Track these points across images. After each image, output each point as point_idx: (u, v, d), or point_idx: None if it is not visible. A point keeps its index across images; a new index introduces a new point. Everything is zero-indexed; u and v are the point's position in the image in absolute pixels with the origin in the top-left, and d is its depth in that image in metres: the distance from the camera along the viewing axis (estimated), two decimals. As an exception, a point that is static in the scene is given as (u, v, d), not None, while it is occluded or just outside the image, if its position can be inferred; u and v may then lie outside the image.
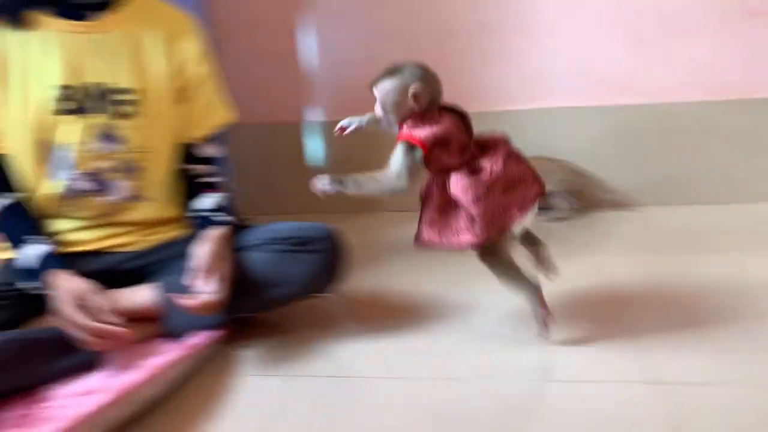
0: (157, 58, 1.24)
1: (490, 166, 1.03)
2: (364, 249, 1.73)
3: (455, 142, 1.04)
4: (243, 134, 2.07)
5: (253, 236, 1.25)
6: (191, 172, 1.34)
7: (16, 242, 1.17)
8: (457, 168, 1.04)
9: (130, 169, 1.23)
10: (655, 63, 1.94)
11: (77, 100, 1.18)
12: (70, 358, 1.07)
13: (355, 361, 1.17)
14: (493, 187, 1.02)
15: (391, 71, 1.06)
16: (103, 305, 1.06)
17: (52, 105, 1.16)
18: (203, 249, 1.17)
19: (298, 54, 2.12)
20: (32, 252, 1.15)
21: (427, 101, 1.04)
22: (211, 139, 1.34)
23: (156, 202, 1.29)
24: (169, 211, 1.32)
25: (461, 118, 1.08)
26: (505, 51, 2.01)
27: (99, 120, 1.19)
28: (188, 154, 1.34)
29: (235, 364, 1.17)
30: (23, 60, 1.17)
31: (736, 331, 1.16)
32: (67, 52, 1.18)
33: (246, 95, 2.11)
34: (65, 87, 1.17)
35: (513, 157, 1.07)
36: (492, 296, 1.39)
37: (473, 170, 1.03)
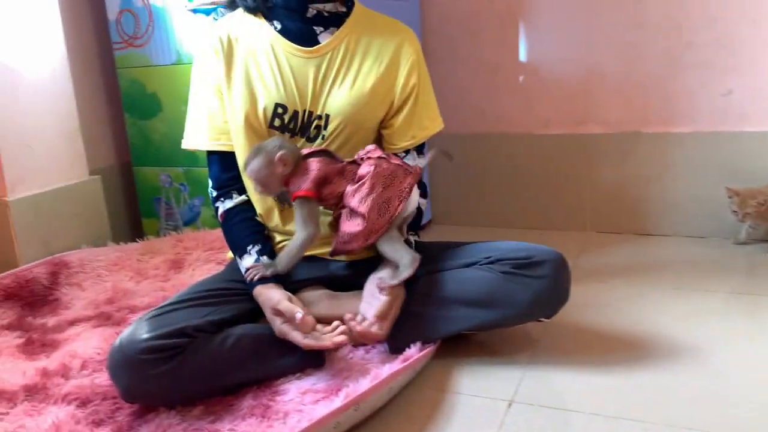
0: (373, 73, 1.26)
1: (366, 171, 1.18)
2: (575, 270, 1.68)
3: (332, 174, 1.19)
4: (450, 144, 2.10)
5: (474, 253, 1.23)
6: None
7: (236, 248, 1.25)
8: (344, 190, 1.20)
9: None
10: None
11: (285, 120, 1.24)
12: (298, 355, 1.13)
13: (570, 393, 1.11)
14: (374, 187, 1.16)
15: (254, 153, 1.18)
16: (290, 311, 1.09)
17: (267, 119, 1.24)
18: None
19: (513, 63, 2.08)
20: (246, 262, 1.22)
21: (292, 160, 1.18)
22: (418, 148, 1.35)
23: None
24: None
25: (324, 153, 1.21)
26: (742, 67, 1.82)
27: (298, 142, 1.25)
28: None
29: (449, 381, 1.17)
30: (250, 71, 1.25)
31: None
32: (288, 73, 1.24)
33: (458, 105, 2.14)
34: (281, 105, 1.24)
35: (383, 158, 1.20)
36: (728, 337, 1.27)
37: (356, 182, 1.19)
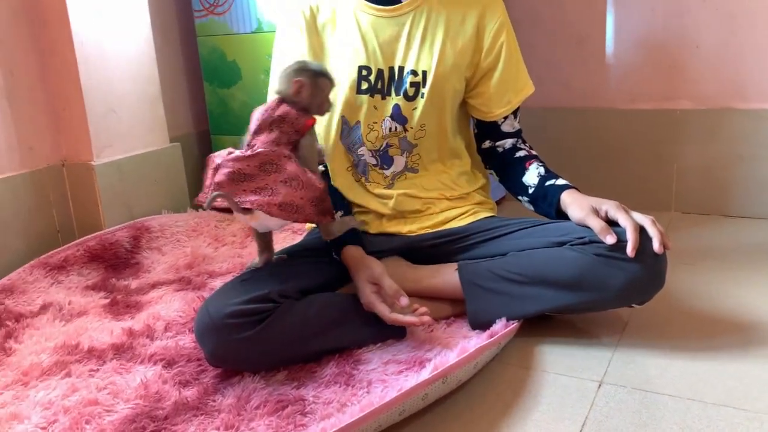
0: (460, 35, 1.24)
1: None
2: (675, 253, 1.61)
3: None
4: (533, 117, 2.03)
5: (566, 232, 1.17)
6: (500, 149, 1.34)
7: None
8: None
9: (409, 146, 1.28)
10: None
11: (374, 81, 1.24)
12: (379, 325, 1.11)
13: (663, 377, 1.06)
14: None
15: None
16: (393, 290, 1.08)
17: (353, 84, 1.23)
18: (584, 204, 1.16)
19: (600, 34, 1.99)
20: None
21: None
22: (515, 113, 1.33)
23: (434, 176, 1.31)
24: (465, 189, 1.33)
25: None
26: None
27: (391, 101, 1.24)
28: (493, 130, 1.33)
29: (534, 358, 1.13)
30: (332, 39, 1.25)
31: None
32: (372, 34, 1.23)
33: (542, 77, 2.07)
34: (364, 68, 1.23)
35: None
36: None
37: None
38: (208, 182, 1.06)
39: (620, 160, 2.02)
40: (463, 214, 1.31)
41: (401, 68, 1.24)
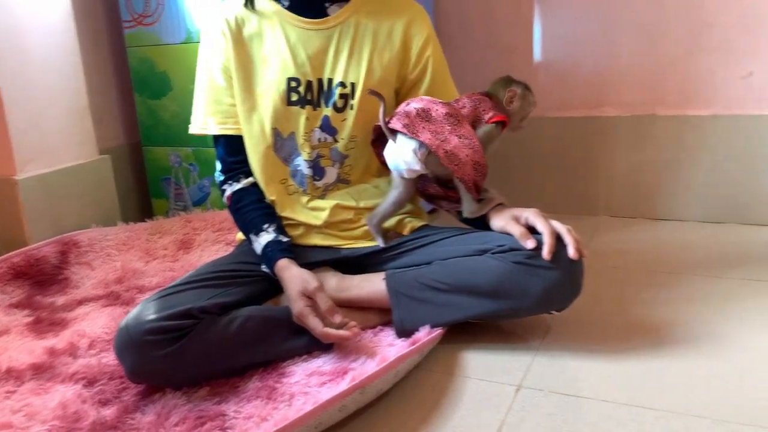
0: (387, 48, 1.27)
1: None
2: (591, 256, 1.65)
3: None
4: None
5: (487, 240, 1.20)
6: None
7: (249, 228, 1.25)
8: None
9: (340, 157, 1.29)
10: None
11: (304, 93, 1.24)
12: (305, 337, 1.12)
13: (581, 379, 1.10)
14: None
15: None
16: (328, 305, 1.09)
17: (283, 96, 1.23)
18: (505, 213, 1.21)
19: (527, 46, 2.04)
20: (263, 239, 1.22)
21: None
22: None
23: (365, 186, 1.33)
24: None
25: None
26: (764, 49, 1.77)
27: (321, 113, 1.26)
28: None
29: (456, 366, 1.15)
30: (260, 51, 1.25)
31: None
32: (300, 46, 1.24)
33: (473, 87, 2.10)
34: (293, 79, 1.24)
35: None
36: (744, 324, 1.24)
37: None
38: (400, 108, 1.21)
39: (550, 166, 2.08)
40: (394, 225, 1.33)
41: (330, 80, 1.25)
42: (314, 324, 1.08)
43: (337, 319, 1.07)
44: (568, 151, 2.05)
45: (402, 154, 1.19)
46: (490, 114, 1.24)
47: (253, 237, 1.24)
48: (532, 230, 1.16)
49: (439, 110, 1.19)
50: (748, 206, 1.85)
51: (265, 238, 1.22)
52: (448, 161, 1.16)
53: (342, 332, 1.08)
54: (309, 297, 1.11)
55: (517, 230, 1.16)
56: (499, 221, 1.21)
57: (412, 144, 1.18)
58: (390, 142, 1.20)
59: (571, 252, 1.11)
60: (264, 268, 1.22)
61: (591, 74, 1.98)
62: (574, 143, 2.04)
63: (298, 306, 1.10)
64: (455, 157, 1.16)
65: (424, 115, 1.19)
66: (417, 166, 1.19)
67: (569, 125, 2.03)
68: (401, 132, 1.18)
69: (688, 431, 0.94)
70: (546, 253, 1.11)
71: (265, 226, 1.23)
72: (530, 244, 1.13)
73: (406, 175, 1.23)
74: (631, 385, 1.07)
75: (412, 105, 1.20)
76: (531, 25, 2.02)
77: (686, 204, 1.93)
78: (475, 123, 1.23)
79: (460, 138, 1.17)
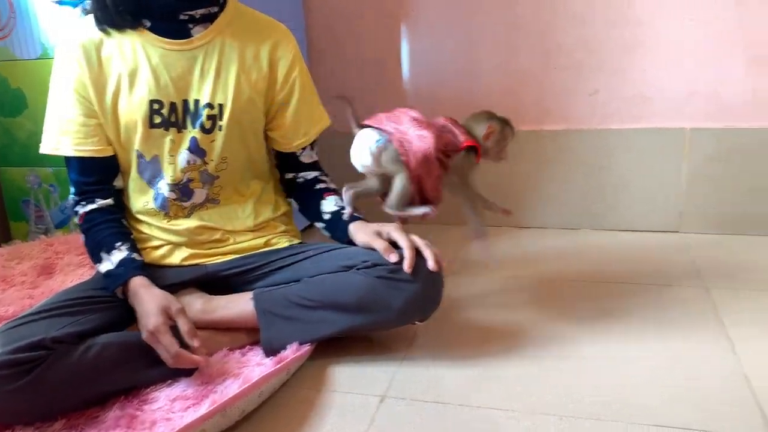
0: (254, 69, 1.27)
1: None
2: (448, 264, 1.73)
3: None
4: (336, 141, 2.11)
5: (353, 256, 1.23)
6: (301, 180, 1.39)
7: (101, 246, 1.21)
8: None
9: (210, 178, 1.28)
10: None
11: (170, 115, 1.23)
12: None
13: (441, 385, 1.15)
14: None
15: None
16: (188, 327, 1.08)
17: (145, 119, 1.21)
18: (369, 229, 1.25)
19: (396, 62, 2.11)
20: (115, 257, 1.19)
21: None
22: (312, 145, 1.38)
23: (236, 206, 1.33)
24: (267, 218, 1.36)
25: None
26: (610, 68, 1.93)
27: (188, 135, 1.24)
28: (293, 162, 1.38)
29: (324, 381, 1.18)
30: (119, 74, 1.22)
31: None
32: (162, 67, 1.22)
33: (341, 104, 2.15)
34: (156, 101, 1.22)
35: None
36: (593, 326, 1.35)
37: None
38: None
39: (421, 179, 2.15)
40: (264, 244, 1.33)
41: (196, 101, 1.24)
42: (168, 342, 1.05)
43: (196, 343, 1.06)
44: (439, 164, 2.13)
45: (359, 147, 1.28)
46: (461, 140, 1.33)
47: (104, 255, 1.19)
48: (394, 245, 1.21)
49: (408, 114, 1.32)
50: (599, 214, 2.01)
51: (117, 256, 1.19)
52: (401, 149, 1.25)
53: (196, 356, 1.06)
54: (169, 317, 1.09)
55: (380, 244, 1.20)
56: (363, 237, 1.25)
57: (374, 135, 1.27)
58: (355, 139, 1.30)
59: (431, 264, 1.17)
60: (113, 288, 1.17)
61: (455, 90, 2.08)
62: (444, 156, 2.12)
63: (154, 321, 1.06)
64: (409, 145, 1.25)
65: (393, 118, 1.31)
66: (368, 160, 1.27)
67: (438, 139, 2.11)
68: (368, 126, 1.29)
69: (537, 428, 1.01)
70: (407, 266, 1.16)
71: (118, 244, 1.20)
72: (393, 257, 1.17)
73: (363, 171, 1.31)
74: (486, 388, 1.13)
75: (382, 114, 1.32)
76: (399, 42, 2.09)
77: (545, 213, 2.07)
78: (445, 148, 1.32)
79: (420, 137, 1.26)
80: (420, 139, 1.26)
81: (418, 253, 1.19)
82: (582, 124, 1.98)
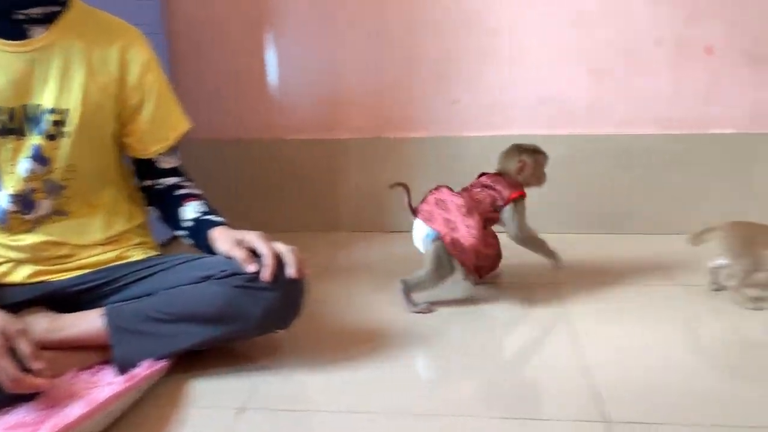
0: (103, 73, 1.22)
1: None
2: (322, 270, 1.73)
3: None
4: (202, 149, 2.06)
5: (211, 266, 1.20)
6: (160, 186, 1.33)
7: None
8: None
9: (55, 188, 1.22)
10: (614, 95, 1.97)
11: (8, 122, 1.16)
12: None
13: (304, 393, 1.15)
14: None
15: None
16: (30, 350, 1.01)
17: None
18: (229, 237, 1.22)
19: (260, 71, 2.10)
20: None
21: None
22: (171, 150, 1.33)
23: (86, 219, 1.26)
24: (121, 230, 1.30)
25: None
26: (467, 79, 2.02)
27: (29, 141, 1.18)
28: (151, 168, 1.33)
29: (182, 396, 1.14)
30: None
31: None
32: (2, 72, 1.15)
33: (206, 110, 2.11)
34: None
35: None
36: (463, 325, 1.39)
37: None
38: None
39: (290, 186, 2.15)
40: (116, 258, 1.27)
41: (38, 106, 1.16)
42: (5, 365, 0.98)
43: (38, 365, 1.00)
44: (309, 172, 2.14)
45: (418, 235, 1.45)
46: (506, 194, 1.44)
47: None
48: (256, 254, 1.19)
49: (454, 201, 1.41)
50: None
51: None
52: (452, 248, 1.38)
53: (38, 379, 1.00)
54: (7, 339, 1.01)
55: (240, 254, 1.18)
56: (223, 245, 1.22)
57: (425, 229, 1.41)
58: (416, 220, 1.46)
59: (291, 271, 1.16)
60: None
61: (324, 99, 2.09)
62: (314, 164, 2.13)
63: None
64: (459, 244, 1.37)
65: (441, 204, 1.42)
66: (422, 249, 1.43)
67: (307, 147, 2.12)
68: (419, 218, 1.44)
69: (398, 428, 1.03)
70: (267, 275, 1.15)
71: None
72: (251, 267, 1.16)
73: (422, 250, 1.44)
74: (348, 392, 1.14)
75: (433, 196, 1.45)
76: (263, 48, 2.08)
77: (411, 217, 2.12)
78: (494, 206, 1.45)
79: (468, 228, 1.37)
80: (468, 232, 1.38)
81: (280, 261, 1.18)
82: (444, 131, 2.06)
